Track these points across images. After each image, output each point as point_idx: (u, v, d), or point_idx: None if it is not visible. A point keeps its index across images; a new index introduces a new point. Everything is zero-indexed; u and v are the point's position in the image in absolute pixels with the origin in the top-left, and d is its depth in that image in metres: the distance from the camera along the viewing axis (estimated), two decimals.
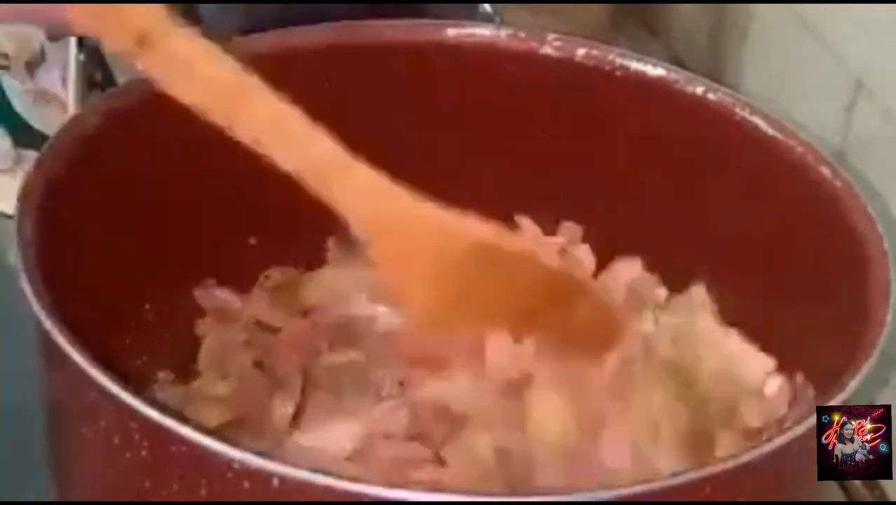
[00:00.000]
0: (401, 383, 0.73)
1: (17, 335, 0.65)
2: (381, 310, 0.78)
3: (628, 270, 0.80)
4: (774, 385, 0.74)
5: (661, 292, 0.81)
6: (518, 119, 0.81)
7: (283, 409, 0.72)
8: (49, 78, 0.91)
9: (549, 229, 0.83)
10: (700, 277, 0.79)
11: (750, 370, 0.75)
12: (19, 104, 0.92)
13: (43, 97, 0.92)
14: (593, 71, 0.79)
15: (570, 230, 0.82)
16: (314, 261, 0.82)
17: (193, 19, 0.97)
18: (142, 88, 0.74)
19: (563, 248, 0.82)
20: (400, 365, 0.74)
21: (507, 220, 0.82)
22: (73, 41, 0.91)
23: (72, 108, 0.91)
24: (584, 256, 0.82)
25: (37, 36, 0.91)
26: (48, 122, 0.91)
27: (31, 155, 0.86)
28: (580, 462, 0.69)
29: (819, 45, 0.88)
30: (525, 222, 0.83)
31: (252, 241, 0.80)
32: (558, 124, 0.80)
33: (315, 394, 0.73)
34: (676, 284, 0.80)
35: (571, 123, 0.80)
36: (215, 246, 0.78)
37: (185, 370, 0.76)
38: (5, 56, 0.91)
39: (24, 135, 0.92)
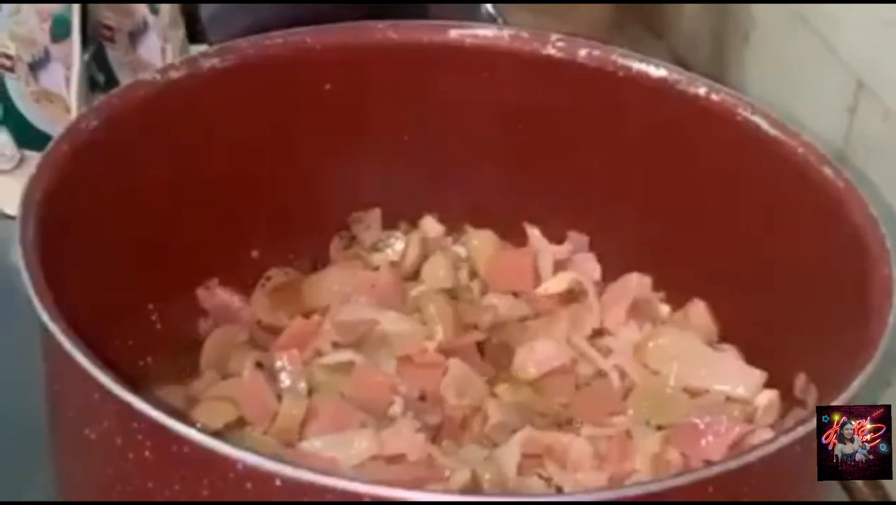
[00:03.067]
0: (422, 398, 0.74)
1: (19, 336, 0.65)
2: (382, 312, 0.78)
3: (637, 286, 0.80)
4: (764, 399, 0.74)
5: (664, 309, 0.81)
6: (520, 119, 0.81)
7: (293, 411, 0.72)
8: (52, 78, 0.91)
9: (557, 237, 0.83)
10: (701, 282, 0.79)
11: (736, 387, 0.75)
12: (23, 105, 0.92)
13: (46, 98, 0.92)
14: (596, 71, 0.79)
15: (576, 240, 0.82)
16: (316, 262, 0.82)
17: (193, 22, 0.98)
18: (144, 90, 0.74)
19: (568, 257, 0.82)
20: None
21: (514, 225, 0.83)
22: (76, 41, 0.91)
23: (75, 109, 0.91)
24: (590, 264, 0.82)
25: (41, 37, 0.91)
26: (51, 122, 0.91)
27: (35, 156, 0.87)
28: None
29: (821, 45, 0.88)
30: (533, 232, 0.83)
31: (254, 253, 0.80)
32: (560, 125, 0.80)
33: (320, 397, 0.73)
34: (677, 289, 0.80)
35: (573, 124, 0.80)
36: (217, 246, 0.78)
37: (188, 370, 0.76)
38: (9, 57, 0.91)
39: (27, 135, 0.92)
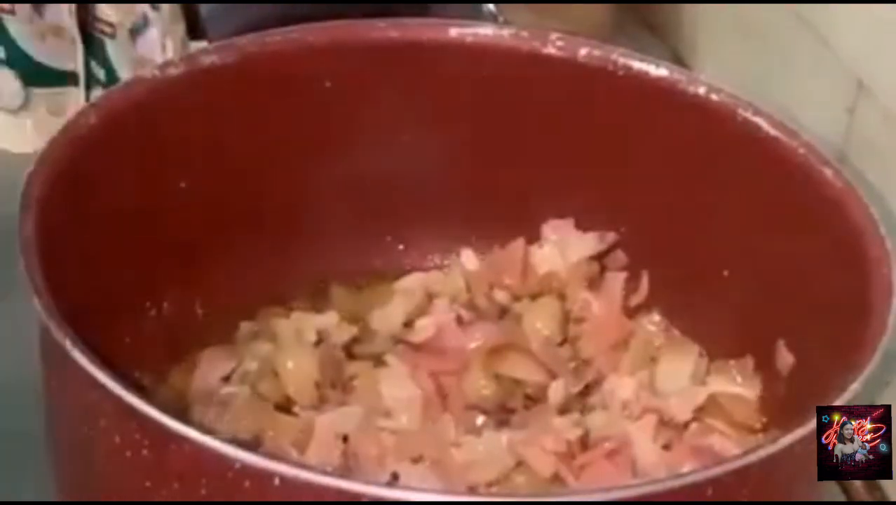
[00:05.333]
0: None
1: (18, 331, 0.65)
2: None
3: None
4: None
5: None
6: (519, 119, 0.81)
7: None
8: (56, 12, 0.94)
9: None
10: (698, 283, 0.79)
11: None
12: (27, 44, 0.94)
13: (52, 32, 0.94)
14: (596, 71, 0.79)
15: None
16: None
17: (194, 19, 0.98)
18: (143, 86, 0.74)
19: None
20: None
21: (513, 223, 0.83)
22: None
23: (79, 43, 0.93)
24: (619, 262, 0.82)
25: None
26: (59, 57, 0.94)
27: (42, 93, 0.93)
28: None
29: (821, 45, 0.88)
30: (553, 223, 0.82)
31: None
32: (560, 125, 0.80)
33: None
34: (672, 289, 0.80)
35: (573, 124, 0.80)
36: (218, 245, 0.77)
37: (185, 368, 0.76)
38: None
39: (34, 74, 0.95)
